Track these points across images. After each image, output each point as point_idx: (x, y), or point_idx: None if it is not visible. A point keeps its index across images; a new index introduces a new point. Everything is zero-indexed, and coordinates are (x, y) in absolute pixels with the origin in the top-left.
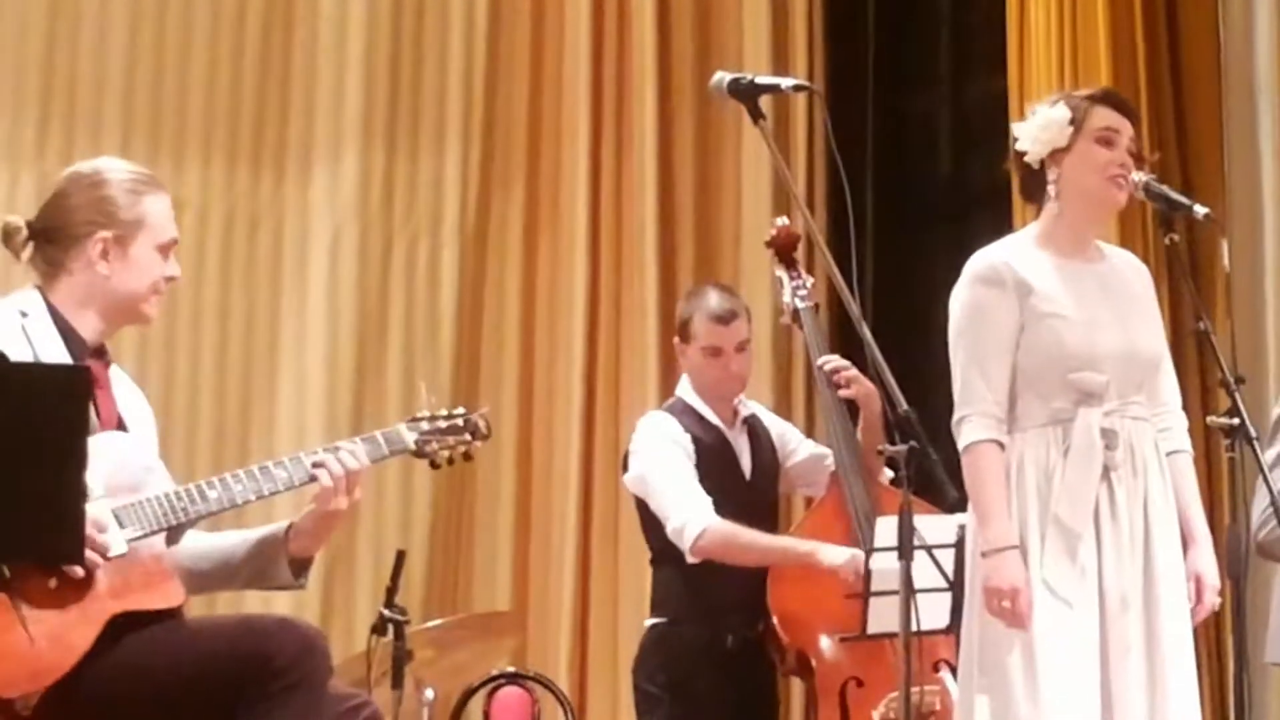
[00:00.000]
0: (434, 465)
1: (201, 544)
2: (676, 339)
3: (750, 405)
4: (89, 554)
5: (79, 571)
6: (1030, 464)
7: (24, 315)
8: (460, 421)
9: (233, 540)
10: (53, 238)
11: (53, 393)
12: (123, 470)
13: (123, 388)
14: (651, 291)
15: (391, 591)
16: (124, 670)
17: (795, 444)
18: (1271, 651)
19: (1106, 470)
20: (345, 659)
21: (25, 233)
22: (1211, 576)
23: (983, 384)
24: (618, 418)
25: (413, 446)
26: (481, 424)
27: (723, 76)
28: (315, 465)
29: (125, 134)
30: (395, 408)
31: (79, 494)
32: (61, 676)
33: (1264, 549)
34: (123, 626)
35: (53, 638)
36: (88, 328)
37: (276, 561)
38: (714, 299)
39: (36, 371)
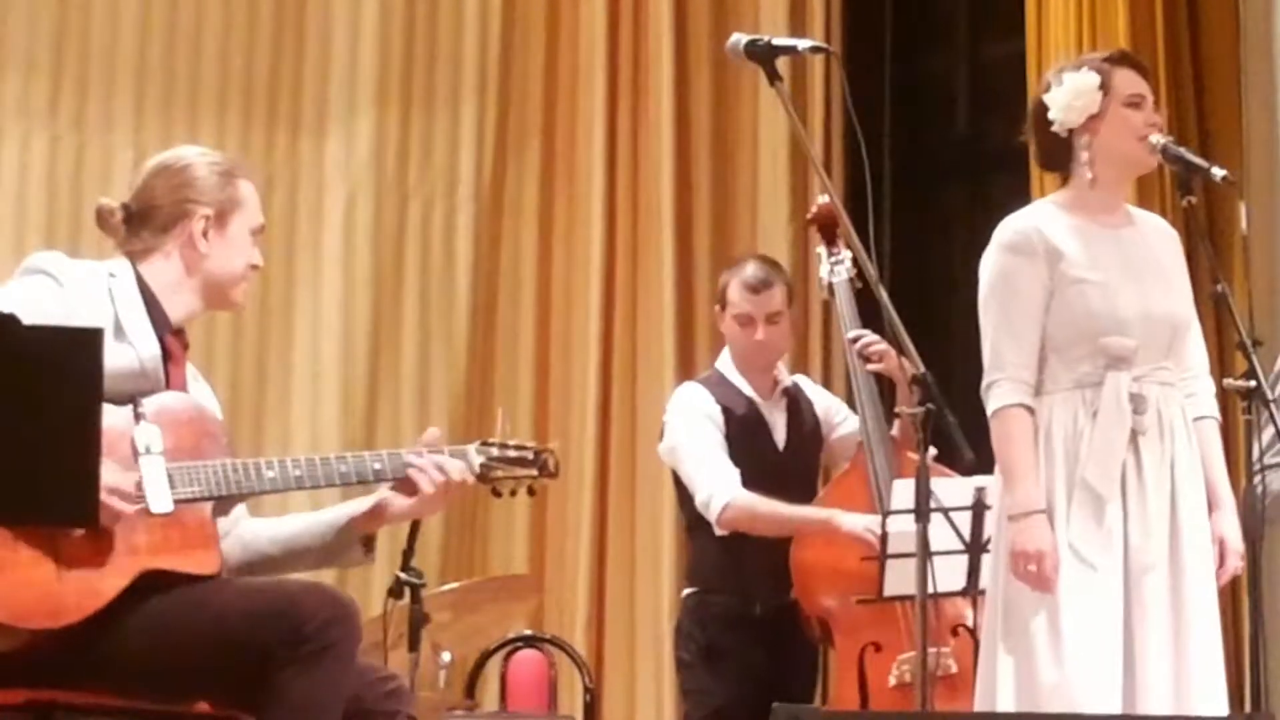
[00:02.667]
0: (496, 494)
1: (266, 528)
2: (716, 307)
3: (795, 378)
4: (113, 510)
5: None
6: (1058, 427)
7: (112, 276)
8: (530, 455)
9: (300, 524)
10: (150, 218)
11: (66, 354)
12: (185, 431)
13: (194, 382)
14: (668, 253)
15: (408, 554)
16: (151, 626)
17: (840, 418)
18: None
19: (1134, 434)
20: (363, 622)
21: (121, 214)
22: (1235, 541)
23: (1013, 349)
24: (634, 380)
25: (477, 470)
26: (551, 462)
27: (739, 38)
28: (409, 467)
29: (138, 94)
30: (411, 370)
31: (93, 457)
32: (82, 620)
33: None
34: (154, 584)
35: (81, 580)
36: (175, 307)
37: (350, 542)
38: (750, 268)
39: (50, 334)
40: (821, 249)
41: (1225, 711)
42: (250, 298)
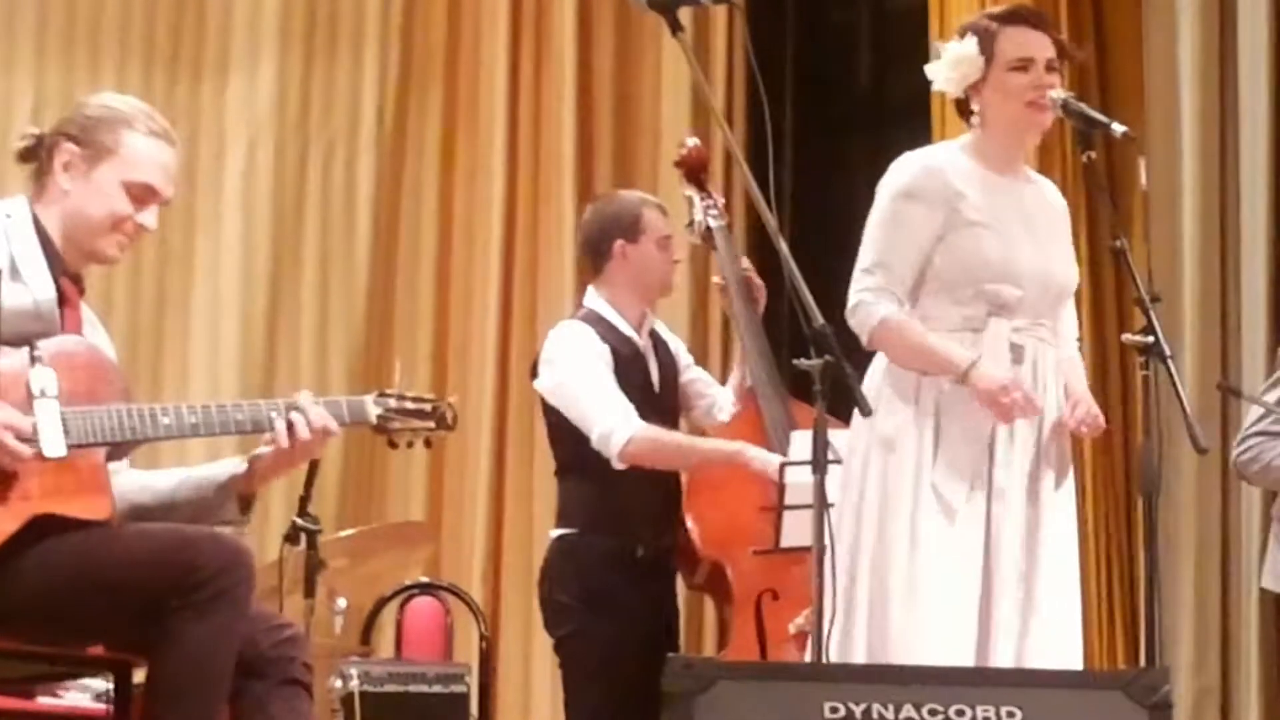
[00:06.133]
0: (392, 445)
1: (142, 478)
2: (620, 242)
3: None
4: (13, 452)
5: None
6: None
7: (7, 216)
8: (428, 407)
9: (176, 478)
10: (39, 149)
11: None
12: (80, 375)
13: (90, 327)
14: (569, 199)
15: (305, 500)
16: (44, 570)
17: (685, 361)
18: (1267, 578)
19: None
20: (258, 568)
21: (27, 144)
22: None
23: (897, 270)
24: (534, 325)
25: (373, 421)
26: (449, 415)
27: None
28: (277, 418)
29: (39, 36)
30: (311, 314)
31: None
32: None
33: (1237, 469)
34: (46, 528)
35: None
36: (65, 251)
37: (225, 500)
38: (645, 195)
39: None
40: (692, 193)
41: (1078, 665)
42: (149, 242)
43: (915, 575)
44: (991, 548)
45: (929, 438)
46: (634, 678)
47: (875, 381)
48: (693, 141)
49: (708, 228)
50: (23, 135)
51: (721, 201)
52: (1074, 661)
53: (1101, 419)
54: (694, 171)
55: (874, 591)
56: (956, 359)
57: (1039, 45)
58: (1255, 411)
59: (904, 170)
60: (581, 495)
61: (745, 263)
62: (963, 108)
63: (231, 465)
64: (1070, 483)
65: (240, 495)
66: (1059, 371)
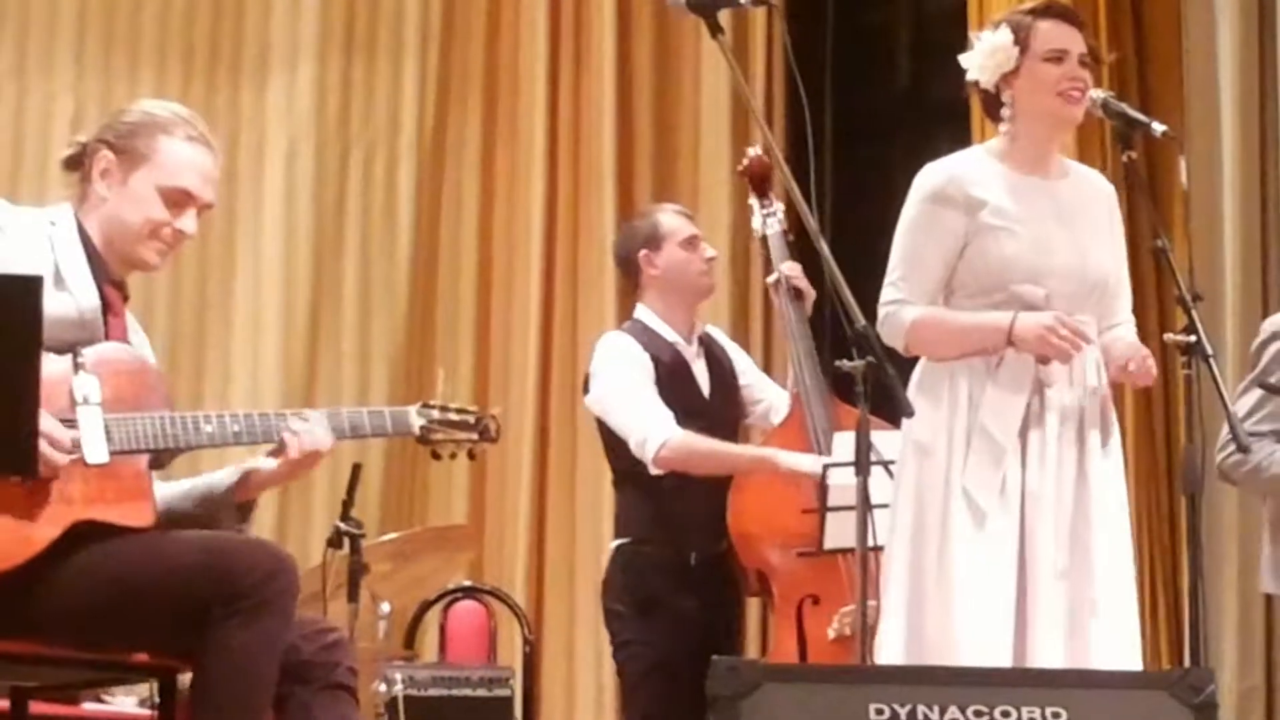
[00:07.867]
0: (435, 456)
1: (159, 493)
2: (644, 252)
3: (705, 327)
4: (47, 460)
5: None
6: (964, 371)
7: (53, 224)
8: (471, 419)
9: (179, 489)
10: (83, 156)
11: (5, 302)
12: (124, 382)
13: (134, 334)
14: (609, 204)
15: (347, 505)
16: (86, 577)
17: (745, 366)
18: (1266, 581)
19: (1041, 386)
20: (301, 573)
21: (72, 152)
22: (1139, 348)
23: (925, 280)
24: (575, 331)
25: (417, 432)
26: (492, 427)
27: None
28: (294, 428)
29: (79, 40)
30: (351, 319)
31: (30, 406)
32: (12, 568)
33: (1223, 473)
34: (89, 535)
35: (12, 529)
36: (108, 258)
37: (225, 510)
38: (666, 204)
39: None
40: (754, 200)
41: (1138, 667)
42: (189, 249)
43: (947, 581)
44: (1027, 549)
45: (960, 438)
46: (687, 684)
47: (914, 388)
48: (754, 151)
49: (764, 235)
50: (69, 143)
51: (782, 208)
52: (1131, 660)
53: (1149, 364)
54: (757, 180)
55: (910, 595)
56: (998, 321)
57: (1072, 39)
58: (1242, 409)
59: (925, 180)
60: (635, 505)
61: (797, 267)
62: (990, 106)
63: (227, 475)
64: (1119, 473)
65: (238, 503)
66: (1100, 372)
